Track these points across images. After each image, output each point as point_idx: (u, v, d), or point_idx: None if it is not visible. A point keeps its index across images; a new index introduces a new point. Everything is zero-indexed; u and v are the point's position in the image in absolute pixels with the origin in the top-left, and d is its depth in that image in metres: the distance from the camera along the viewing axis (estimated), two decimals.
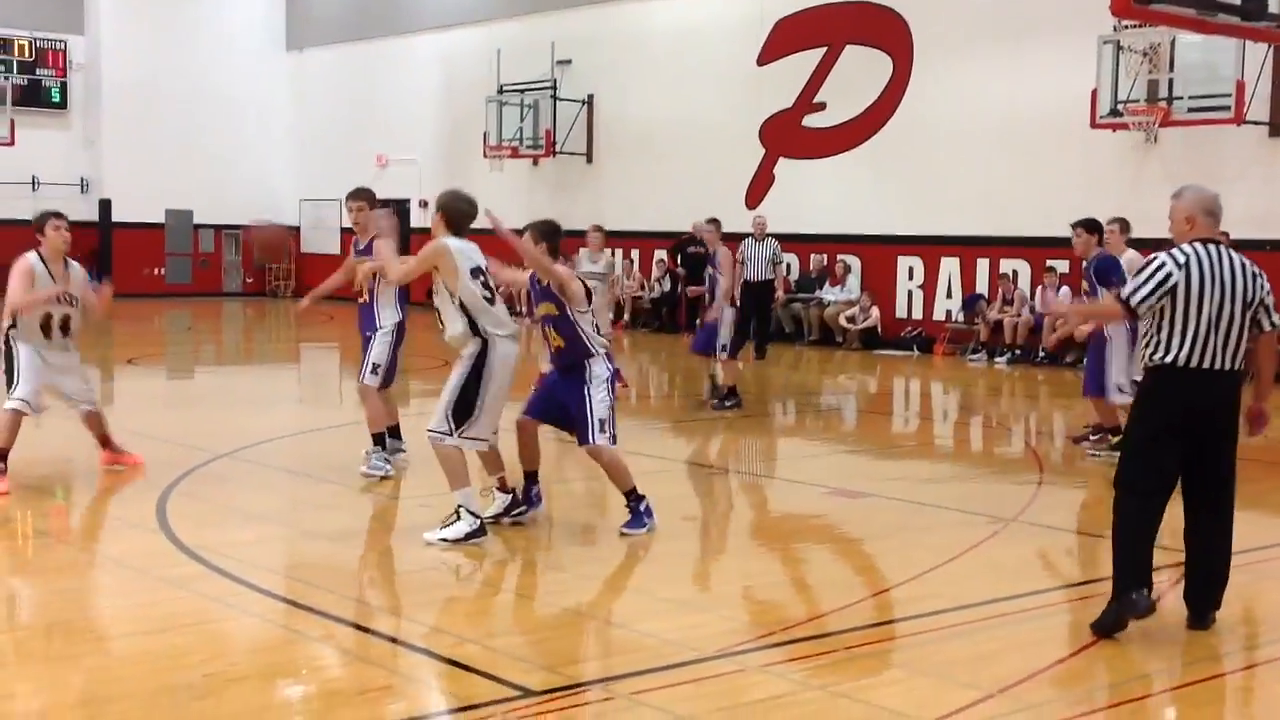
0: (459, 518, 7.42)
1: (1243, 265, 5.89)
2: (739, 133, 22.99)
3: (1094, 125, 17.98)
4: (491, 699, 4.98)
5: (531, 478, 8.11)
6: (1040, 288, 19.05)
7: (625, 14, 25.16)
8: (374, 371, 9.42)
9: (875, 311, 21.12)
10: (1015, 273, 19.81)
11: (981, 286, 20.27)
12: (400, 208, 29.24)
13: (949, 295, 20.78)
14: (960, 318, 20.51)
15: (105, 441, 9.51)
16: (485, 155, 26.05)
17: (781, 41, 22.61)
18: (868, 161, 21.50)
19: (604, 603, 6.74)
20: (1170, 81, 17.54)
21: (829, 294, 21.79)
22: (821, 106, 22.09)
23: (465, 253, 7.57)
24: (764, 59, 22.83)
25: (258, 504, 8.66)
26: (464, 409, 7.51)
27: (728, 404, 13.49)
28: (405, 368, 9.69)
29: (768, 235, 19.69)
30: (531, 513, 8.03)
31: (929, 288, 21.01)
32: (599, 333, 7.87)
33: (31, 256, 8.90)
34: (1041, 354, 18.46)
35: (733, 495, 10.01)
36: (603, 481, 8.16)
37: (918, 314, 21.13)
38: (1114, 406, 10.65)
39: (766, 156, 22.88)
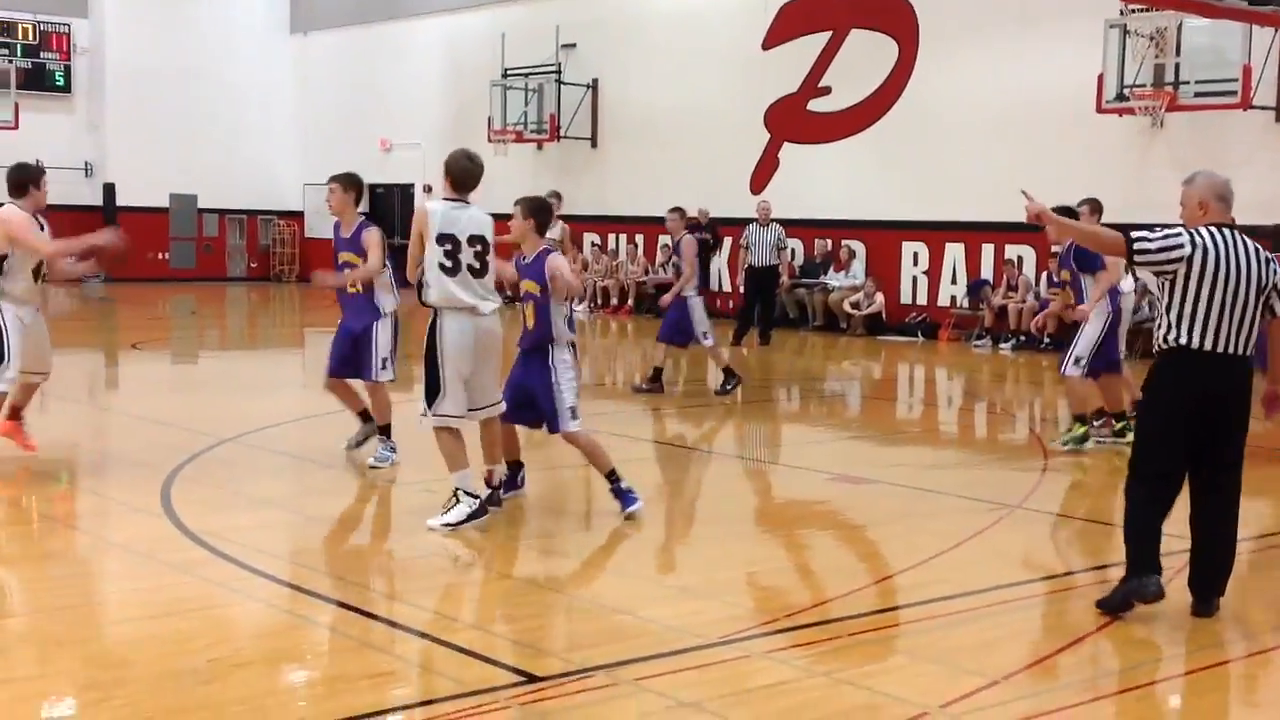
0: (458, 500, 7.39)
1: (1256, 250, 5.90)
2: (744, 117, 22.93)
3: (1100, 110, 17.93)
4: (495, 685, 4.98)
5: (515, 467, 8.14)
6: (1045, 274, 19.01)
7: None
8: (385, 367, 9.30)
9: (880, 297, 21.09)
10: (1020, 258, 19.77)
11: (986, 272, 20.24)
12: (405, 192, 29.34)
13: (954, 281, 20.77)
14: (965, 303, 20.49)
15: (14, 413, 8.93)
16: (489, 140, 25.96)
17: (786, 26, 22.54)
18: (873, 146, 21.44)
19: (607, 589, 6.74)
20: (1177, 66, 17.47)
21: (833, 279, 21.75)
22: (826, 91, 22.02)
23: (448, 216, 7.32)
24: (769, 43, 22.76)
25: (262, 489, 8.67)
26: (432, 386, 7.40)
27: (728, 386, 13.48)
28: (404, 354, 9.65)
29: (772, 220, 19.68)
30: (513, 494, 8.06)
31: (934, 273, 20.99)
32: (570, 329, 7.75)
33: (17, 210, 8.40)
34: (1046, 340, 18.34)
35: (736, 481, 10.00)
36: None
37: (922, 299, 21.10)
38: (1116, 387, 10.63)
39: (771, 141, 22.83)
